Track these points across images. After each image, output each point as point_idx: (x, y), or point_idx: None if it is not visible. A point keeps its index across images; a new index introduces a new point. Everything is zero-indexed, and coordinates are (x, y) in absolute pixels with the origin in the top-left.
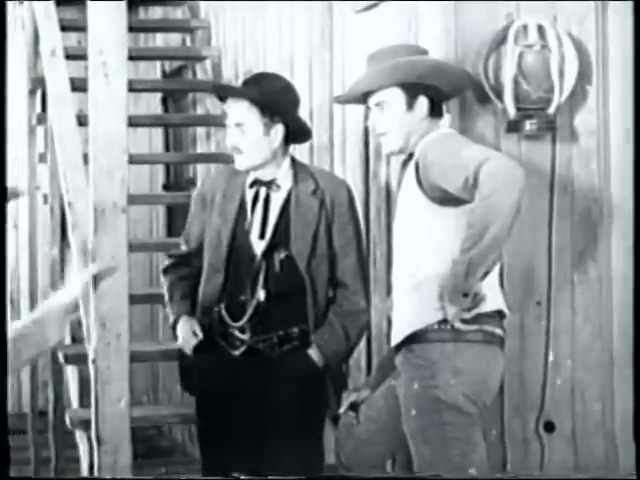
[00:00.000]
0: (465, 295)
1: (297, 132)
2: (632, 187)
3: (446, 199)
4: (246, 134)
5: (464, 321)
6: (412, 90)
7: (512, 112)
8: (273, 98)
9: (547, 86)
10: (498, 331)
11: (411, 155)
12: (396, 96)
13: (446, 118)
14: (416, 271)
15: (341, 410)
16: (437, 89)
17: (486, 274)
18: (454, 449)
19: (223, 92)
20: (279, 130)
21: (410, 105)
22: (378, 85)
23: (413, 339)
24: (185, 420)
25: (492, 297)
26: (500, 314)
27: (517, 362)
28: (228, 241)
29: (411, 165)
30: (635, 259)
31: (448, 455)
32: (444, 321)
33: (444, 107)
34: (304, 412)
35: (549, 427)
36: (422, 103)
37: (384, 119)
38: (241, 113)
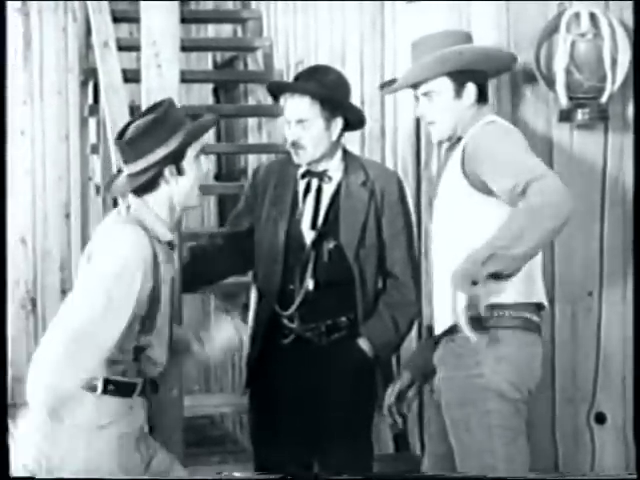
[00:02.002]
0: (474, 283)
1: (354, 122)
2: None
3: (487, 190)
4: (308, 130)
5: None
6: (460, 78)
7: (564, 101)
8: (332, 91)
9: (599, 75)
10: (535, 318)
11: (459, 139)
12: (445, 85)
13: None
14: (455, 259)
15: (387, 403)
16: (484, 74)
17: (507, 276)
18: (498, 437)
19: (282, 88)
20: (339, 123)
21: (458, 93)
22: (427, 77)
23: (455, 329)
24: (236, 409)
25: (531, 289)
26: (539, 306)
27: (569, 353)
28: (285, 231)
29: (458, 150)
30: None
31: (492, 443)
32: (489, 308)
33: (489, 93)
34: (353, 402)
35: (600, 418)
36: (470, 90)
37: (433, 108)
38: (302, 109)
